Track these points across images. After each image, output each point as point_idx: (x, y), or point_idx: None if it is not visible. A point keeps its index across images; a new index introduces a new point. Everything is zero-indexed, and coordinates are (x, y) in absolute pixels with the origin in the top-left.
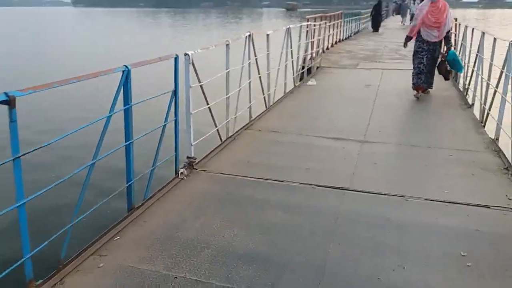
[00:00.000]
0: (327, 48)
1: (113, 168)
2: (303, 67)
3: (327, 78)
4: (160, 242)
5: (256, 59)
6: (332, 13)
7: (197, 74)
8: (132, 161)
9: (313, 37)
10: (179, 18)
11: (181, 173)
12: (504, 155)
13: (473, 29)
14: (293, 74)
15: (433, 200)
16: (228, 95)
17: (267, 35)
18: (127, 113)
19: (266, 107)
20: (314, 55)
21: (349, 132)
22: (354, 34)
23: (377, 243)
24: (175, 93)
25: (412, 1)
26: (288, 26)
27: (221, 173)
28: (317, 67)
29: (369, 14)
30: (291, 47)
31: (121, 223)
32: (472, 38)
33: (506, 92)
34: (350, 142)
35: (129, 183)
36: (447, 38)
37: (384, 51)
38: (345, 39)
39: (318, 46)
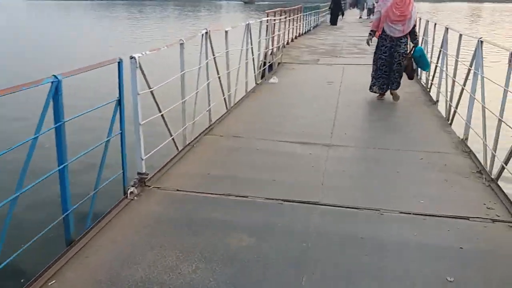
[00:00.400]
0: (288, 43)
1: (47, 197)
2: (264, 64)
3: (289, 74)
4: (104, 285)
5: (214, 58)
6: (291, 7)
7: (146, 79)
8: (68, 187)
9: (274, 32)
10: (134, 11)
11: (131, 192)
12: (475, 156)
13: (435, 24)
14: (254, 72)
15: (410, 213)
16: (184, 100)
17: (226, 31)
18: (59, 132)
19: (227, 108)
20: (275, 50)
21: (315, 135)
22: (314, 28)
23: (353, 268)
24: (119, 102)
25: None
26: (247, 22)
27: (177, 190)
28: (279, 63)
29: (327, 8)
30: (251, 44)
31: (58, 262)
32: (434, 32)
33: (475, 90)
34: (317, 146)
35: (65, 213)
36: (412, 33)
37: (343, 46)
38: (305, 33)
39: (278, 42)
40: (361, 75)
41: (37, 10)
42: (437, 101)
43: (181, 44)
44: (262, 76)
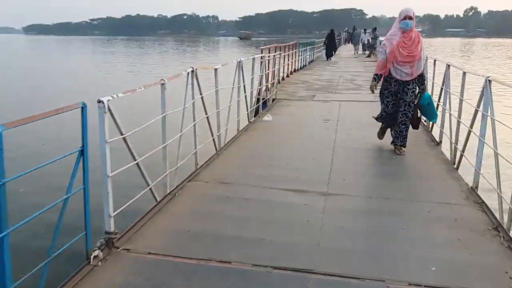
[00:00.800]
0: (283, 79)
1: None
2: (258, 100)
3: (284, 111)
4: None
5: (202, 98)
6: (286, 43)
7: (117, 125)
8: (8, 260)
9: (268, 68)
10: (134, 46)
11: (95, 257)
12: (488, 208)
13: (435, 60)
14: (247, 110)
15: (420, 285)
16: (165, 144)
17: (215, 69)
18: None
19: (216, 149)
20: (269, 86)
21: (310, 181)
22: (309, 63)
23: None
24: (82, 152)
25: (363, 31)
26: (239, 59)
27: (149, 253)
28: (273, 100)
29: (322, 43)
30: (243, 81)
31: None
32: (434, 69)
33: (484, 134)
34: (313, 195)
35: None
36: (420, 76)
37: (339, 81)
38: (301, 68)
39: (273, 77)
40: (358, 113)
41: (34, 44)
42: (441, 141)
43: (162, 85)
44: (256, 114)
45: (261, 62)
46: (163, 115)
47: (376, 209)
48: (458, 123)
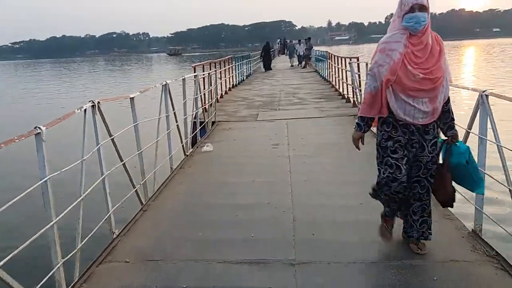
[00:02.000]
0: (221, 97)
1: None
2: (195, 126)
3: (226, 137)
4: None
5: (112, 139)
6: (221, 57)
7: None
8: None
9: (204, 87)
10: (60, 68)
11: None
12: (508, 263)
13: None
14: (182, 141)
15: None
16: (53, 222)
17: (131, 99)
18: None
19: (142, 203)
20: (207, 107)
21: (271, 244)
22: (247, 77)
23: None
24: None
25: (296, 42)
26: (164, 83)
27: None
28: (213, 123)
29: (259, 56)
30: (173, 108)
31: None
32: None
33: (484, 162)
34: (276, 267)
35: None
36: (446, 113)
37: (281, 96)
38: (239, 84)
39: (211, 97)
40: (308, 132)
41: None
42: None
43: (37, 135)
44: (194, 143)
45: (194, 81)
46: (45, 179)
47: (365, 282)
48: None
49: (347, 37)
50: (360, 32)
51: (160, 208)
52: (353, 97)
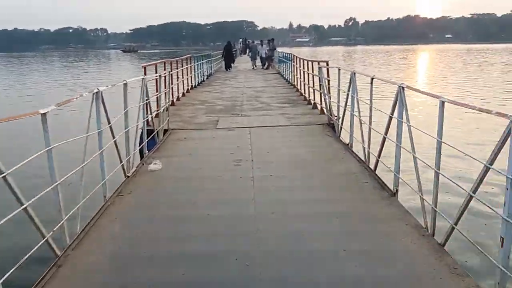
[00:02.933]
0: (178, 99)
1: None
2: (147, 133)
3: (179, 150)
4: None
5: (4, 177)
6: (180, 56)
7: None
8: None
9: (157, 90)
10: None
11: None
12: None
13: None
14: (120, 161)
15: None
16: None
17: (43, 115)
18: None
19: (56, 256)
20: (160, 113)
21: None
22: (208, 77)
23: None
24: None
25: (259, 42)
26: (96, 90)
27: None
28: (165, 131)
29: (220, 55)
30: (108, 121)
31: None
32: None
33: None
34: None
35: None
36: None
37: (243, 99)
38: (198, 85)
39: (165, 100)
40: (274, 144)
41: None
42: (397, 191)
43: None
44: (142, 157)
45: (142, 84)
46: None
47: None
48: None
49: (307, 39)
50: (320, 35)
51: (81, 263)
52: (321, 104)
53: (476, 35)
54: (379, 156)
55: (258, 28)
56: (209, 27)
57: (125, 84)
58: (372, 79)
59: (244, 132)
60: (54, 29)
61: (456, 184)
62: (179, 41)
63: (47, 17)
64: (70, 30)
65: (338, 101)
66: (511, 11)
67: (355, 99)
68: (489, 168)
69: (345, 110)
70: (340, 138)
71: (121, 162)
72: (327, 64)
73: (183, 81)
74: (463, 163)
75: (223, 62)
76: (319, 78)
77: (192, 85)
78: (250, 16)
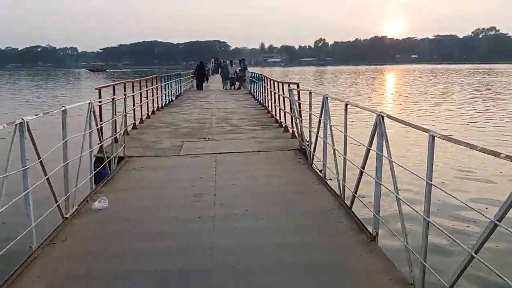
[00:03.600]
0: (142, 121)
1: None
2: (98, 161)
3: (133, 183)
4: None
5: None
6: (151, 75)
7: None
8: None
9: (113, 114)
10: None
11: None
12: None
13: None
14: (56, 200)
15: None
16: None
17: None
18: None
19: None
20: (117, 138)
21: None
22: (176, 98)
23: None
24: None
25: (228, 62)
26: (19, 121)
27: None
28: (120, 159)
29: (191, 75)
30: (38, 157)
31: None
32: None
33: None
34: None
35: None
36: None
37: (212, 122)
38: (166, 105)
39: (123, 125)
40: (241, 174)
41: None
42: (377, 234)
43: None
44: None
45: (88, 110)
46: None
47: None
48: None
49: (279, 60)
50: (292, 55)
51: None
52: (292, 128)
53: (440, 55)
54: (355, 191)
55: (231, 48)
56: (181, 46)
57: (64, 111)
58: (346, 105)
59: (209, 160)
60: (21, 47)
61: (453, 239)
62: (151, 60)
63: (14, 36)
64: (39, 49)
65: (310, 127)
66: (472, 33)
67: (328, 125)
68: (497, 224)
69: (317, 136)
70: (314, 165)
71: (56, 201)
72: (298, 87)
73: (147, 102)
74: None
75: (195, 82)
76: (290, 100)
77: (159, 106)
78: (223, 36)
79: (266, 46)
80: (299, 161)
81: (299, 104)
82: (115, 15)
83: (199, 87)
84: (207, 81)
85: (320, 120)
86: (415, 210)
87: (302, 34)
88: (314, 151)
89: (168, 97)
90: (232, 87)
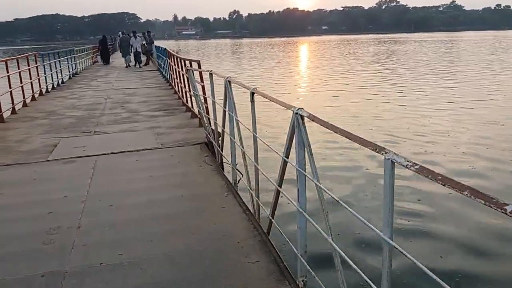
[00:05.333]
0: (14, 112)
1: None
2: None
3: None
4: None
5: None
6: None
7: None
8: None
9: None
10: None
11: None
12: None
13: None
14: None
15: None
16: None
17: None
18: None
19: None
20: None
21: None
22: (72, 77)
23: None
24: None
25: (131, 35)
26: None
27: None
28: None
29: (91, 50)
30: None
31: None
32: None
33: None
34: None
35: None
36: None
37: (106, 106)
38: (54, 88)
39: None
40: (126, 185)
41: None
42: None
43: None
44: None
45: None
46: None
47: None
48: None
49: (194, 32)
50: (207, 28)
51: None
52: (199, 115)
53: (348, 26)
54: (273, 213)
55: (141, 21)
56: (86, 19)
57: None
58: (252, 93)
59: (87, 166)
60: None
61: None
62: (53, 35)
63: None
64: None
65: (215, 117)
66: (376, 4)
67: (234, 118)
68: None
69: (223, 131)
70: (223, 165)
71: None
72: (199, 65)
73: (22, 87)
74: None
75: (99, 57)
76: (190, 82)
77: (42, 90)
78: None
79: (180, 18)
80: (205, 161)
81: (203, 87)
82: None
83: (105, 60)
84: (109, 56)
85: (224, 111)
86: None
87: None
88: (222, 148)
89: (58, 78)
90: (137, 64)
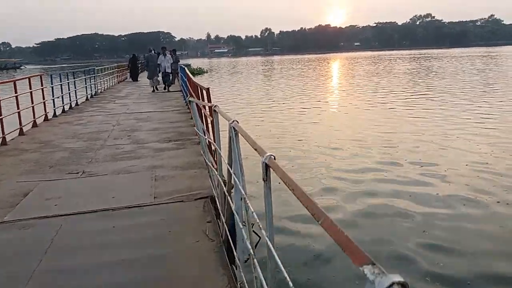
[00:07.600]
0: (4, 143)
1: None
2: None
3: None
4: None
5: None
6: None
7: None
8: None
9: None
10: None
11: None
12: None
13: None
14: None
15: None
16: None
17: None
18: None
19: None
20: None
21: None
22: (91, 97)
23: None
24: None
25: (162, 53)
26: None
27: None
28: None
29: (115, 69)
30: None
31: None
32: None
33: None
34: None
35: None
36: None
37: (110, 136)
38: (66, 111)
39: None
40: (83, 280)
41: None
42: None
43: None
44: None
45: None
46: None
47: None
48: None
49: (226, 50)
50: (238, 45)
51: None
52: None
53: (381, 42)
54: None
55: (176, 39)
56: (123, 38)
57: None
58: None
59: (45, 235)
60: None
61: None
62: (91, 53)
63: None
64: None
65: (219, 167)
66: (410, 20)
67: (238, 170)
68: None
69: (229, 181)
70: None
71: None
72: (208, 92)
73: (18, 113)
74: None
75: (129, 74)
76: (192, 115)
77: (48, 115)
78: (167, 27)
79: (213, 36)
80: (206, 231)
81: (211, 122)
82: (51, 7)
83: (134, 79)
84: (138, 74)
85: (230, 153)
86: None
87: (248, 24)
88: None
89: (69, 101)
90: (166, 87)
